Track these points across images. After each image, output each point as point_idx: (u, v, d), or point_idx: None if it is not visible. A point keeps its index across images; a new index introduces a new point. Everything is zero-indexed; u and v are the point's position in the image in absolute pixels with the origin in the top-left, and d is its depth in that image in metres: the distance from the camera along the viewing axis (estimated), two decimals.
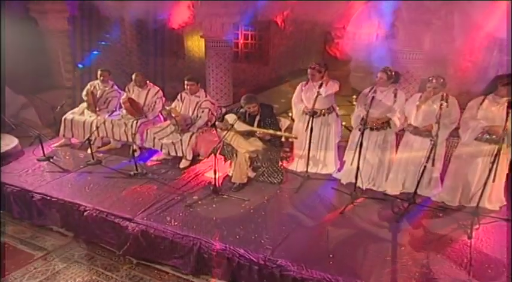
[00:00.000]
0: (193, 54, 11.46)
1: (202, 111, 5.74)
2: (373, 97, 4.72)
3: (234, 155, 5.21)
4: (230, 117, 5.22)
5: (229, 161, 5.45)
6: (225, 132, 5.00)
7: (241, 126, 5.13)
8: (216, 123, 5.32)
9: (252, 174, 5.35)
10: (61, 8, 8.17)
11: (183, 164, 5.73)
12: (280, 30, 9.08)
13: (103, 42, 12.33)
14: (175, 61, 11.35)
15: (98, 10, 11.41)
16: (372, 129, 4.95)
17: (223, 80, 7.28)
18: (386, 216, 4.50)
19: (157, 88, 6.26)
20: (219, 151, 4.95)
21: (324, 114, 5.35)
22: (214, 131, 6.07)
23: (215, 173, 4.83)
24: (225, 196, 4.89)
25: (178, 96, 5.97)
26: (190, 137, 5.64)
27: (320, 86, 5.01)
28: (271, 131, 4.94)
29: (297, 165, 5.58)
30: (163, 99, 6.26)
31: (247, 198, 4.81)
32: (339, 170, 5.53)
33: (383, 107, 4.89)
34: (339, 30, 6.94)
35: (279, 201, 4.82)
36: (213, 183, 4.96)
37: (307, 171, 5.33)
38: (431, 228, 4.31)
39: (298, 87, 5.48)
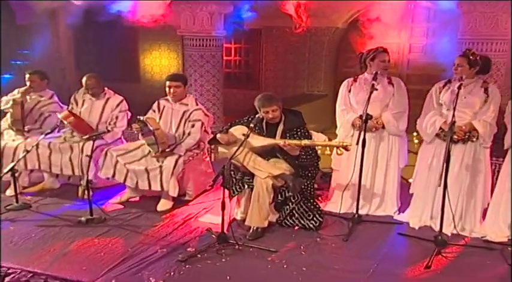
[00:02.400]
0: (153, 75, 11.10)
1: (193, 126, 5.18)
2: (459, 89, 4.29)
3: (245, 187, 4.65)
4: (238, 130, 4.74)
5: (235, 198, 4.84)
6: (236, 148, 4.36)
7: (257, 140, 4.59)
8: (218, 135, 4.69)
9: (273, 216, 4.71)
10: None
11: (163, 205, 5.11)
12: (281, 38, 8.83)
13: (18, 62, 11.77)
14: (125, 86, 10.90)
15: (13, 16, 10.97)
16: (453, 141, 4.46)
17: (211, 94, 6.73)
18: (498, 272, 4.06)
19: (120, 98, 5.81)
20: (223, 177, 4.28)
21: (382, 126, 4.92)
22: (207, 158, 5.47)
23: (223, 209, 4.18)
24: (238, 247, 4.26)
25: (155, 105, 5.44)
26: (176, 162, 4.95)
27: (375, 78, 4.61)
28: (306, 141, 4.37)
29: (342, 204, 5.01)
30: (129, 114, 5.75)
31: (273, 248, 4.30)
32: (401, 211, 5.07)
33: (468, 107, 4.52)
34: (371, 22, 6.77)
35: (323, 252, 4.34)
36: (215, 229, 4.45)
37: (357, 211, 4.81)
38: None
39: (344, 87, 5.13)
